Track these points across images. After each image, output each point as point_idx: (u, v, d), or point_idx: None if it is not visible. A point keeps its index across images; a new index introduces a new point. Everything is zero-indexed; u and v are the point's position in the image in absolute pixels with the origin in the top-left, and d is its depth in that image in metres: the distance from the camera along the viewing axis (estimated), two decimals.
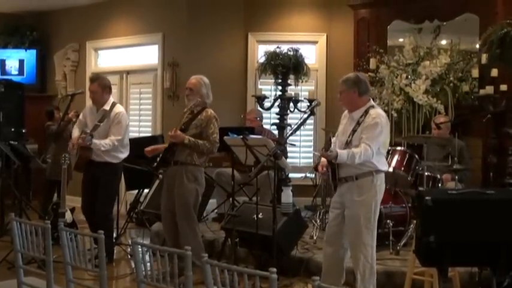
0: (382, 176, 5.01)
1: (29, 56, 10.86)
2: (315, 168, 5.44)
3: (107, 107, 6.54)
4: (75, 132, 6.64)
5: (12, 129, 8.99)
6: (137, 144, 7.37)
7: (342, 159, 4.83)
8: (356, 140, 4.90)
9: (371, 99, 5.09)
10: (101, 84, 6.58)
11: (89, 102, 7.92)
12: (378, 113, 4.94)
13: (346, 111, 5.15)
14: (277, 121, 7.75)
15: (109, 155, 6.52)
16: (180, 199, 5.86)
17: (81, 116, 6.79)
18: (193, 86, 5.98)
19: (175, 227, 5.95)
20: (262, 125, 8.24)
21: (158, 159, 6.00)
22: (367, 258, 4.91)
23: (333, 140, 5.31)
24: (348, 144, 4.94)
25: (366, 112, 4.95)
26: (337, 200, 5.09)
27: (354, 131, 4.94)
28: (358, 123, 4.93)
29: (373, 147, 4.83)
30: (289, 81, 7.84)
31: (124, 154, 6.67)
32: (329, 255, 5.14)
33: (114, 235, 7.03)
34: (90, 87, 6.60)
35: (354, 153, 4.80)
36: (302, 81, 7.96)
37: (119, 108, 6.63)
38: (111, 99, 6.66)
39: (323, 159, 5.16)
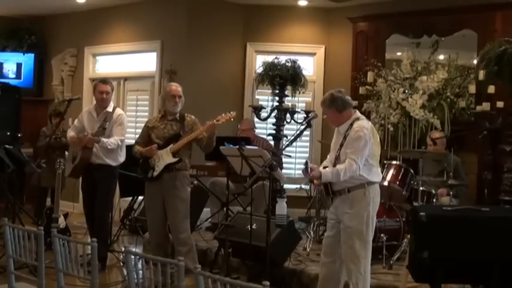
0: (375, 187, 5.00)
1: (26, 59, 10.83)
2: (311, 180, 5.43)
3: (109, 109, 6.68)
4: (70, 134, 6.69)
5: (8, 133, 8.96)
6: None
7: (326, 178, 4.89)
8: (343, 155, 4.93)
9: (356, 112, 5.11)
10: (111, 87, 6.78)
11: (85, 107, 7.93)
12: (360, 125, 4.95)
13: None
14: (274, 132, 7.76)
15: (110, 157, 6.59)
16: (181, 202, 6.03)
17: (76, 122, 6.84)
18: (181, 93, 6.13)
19: (164, 234, 6.13)
20: (256, 134, 8.23)
21: (157, 167, 6.02)
22: (359, 269, 4.90)
23: (327, 158, 5.30)
24: (337, 159, 4.98)
25: (351, 125, 4.98)
26: (332, 211, 5.12)
27: (341, 145, 4.98)
28: (345, 137, 4.97)
29: (359, 161, 4.84)
30: (286, 92, 7.86)
31: (122, 158, 6.75)
32: (325, 265, 5.13)
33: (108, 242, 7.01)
34: (105, 88, 6.67)
35: (338, 171, 4.83)
36: (299, 93, 7.98)
37: (120, 110, 6.84)
38: (112, 103, 6.80)
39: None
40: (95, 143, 6.43)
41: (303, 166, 5.00)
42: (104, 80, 6.88)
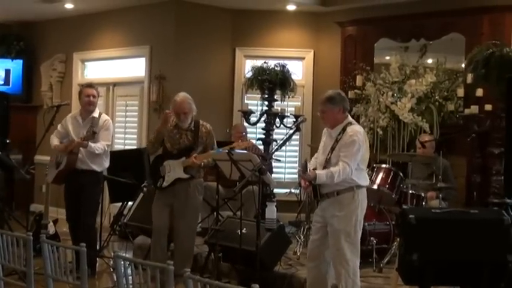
0: (363, 191, 5.04)
1: (15, 65, 10.80)
2: (300, 183, 5.46)
3: (95, 114, 6.62)
4: (54, 141, 6.61)
5: None
6: (122, 156, 7.35)
7: (320, 179, 4.90)
8: (335, 158, 4.94)
9: (349, 116, 5.14)
10: (97, 91, 6.72)
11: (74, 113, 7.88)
12: (354, 130, 4.98)
13: (325, 128, 5.19)
14: (263, 136, 7.76)
15: (95, 162, 6.53)
16: (192, 211, 6.15)
17: (59, 127, 6.73)
18: (188, 110, 6.07)
19: (166, 241, 6.13)
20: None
21: (167, 177, 6.04)
22: (348, 273, 4.92)
23: (312, 160, 5.33)
24: (327, 162, 4.98)
25: (344, 129, 4.99)
26: (319, 214, 5.13)
27: (332, 148, 4.99)
28: (336, 141, 4.98)
29: (352, 165, 4.87)
30: (275, 97, 7.86)
31: (107, 163, 6.71)
32: (312, 270, 5.15)
33: (97, 247, 6.98)
34: (91, 91, 6.60)
35: (333, 173, 4.85)
36: (288, 97, 7.99)
37: (106, 116, 6.79)
38: (98, 109, 6.73)
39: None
40: (83, 147, 6.37)
41: (298, 167, 5.03)
42: (90, 84, 6.80)
